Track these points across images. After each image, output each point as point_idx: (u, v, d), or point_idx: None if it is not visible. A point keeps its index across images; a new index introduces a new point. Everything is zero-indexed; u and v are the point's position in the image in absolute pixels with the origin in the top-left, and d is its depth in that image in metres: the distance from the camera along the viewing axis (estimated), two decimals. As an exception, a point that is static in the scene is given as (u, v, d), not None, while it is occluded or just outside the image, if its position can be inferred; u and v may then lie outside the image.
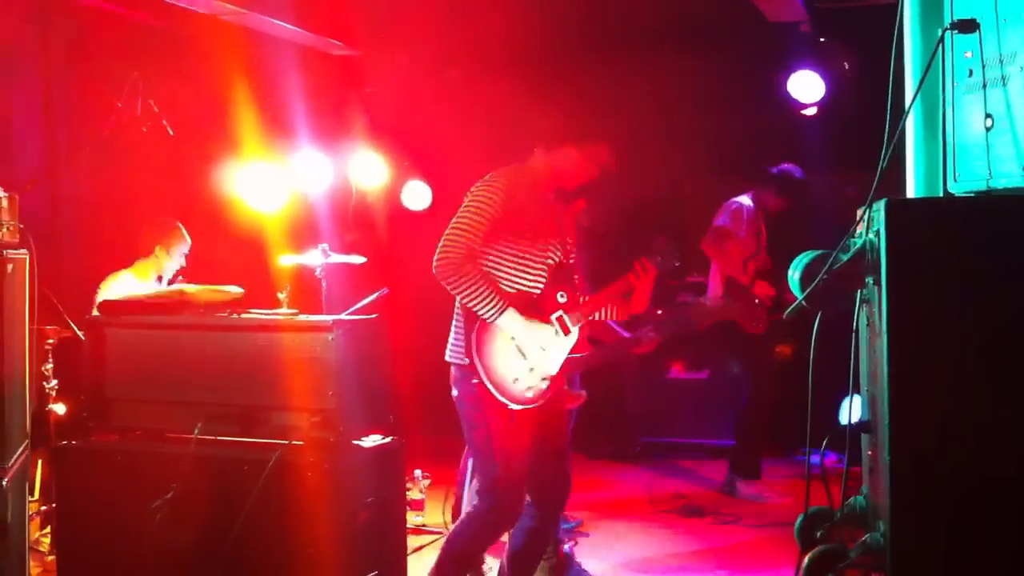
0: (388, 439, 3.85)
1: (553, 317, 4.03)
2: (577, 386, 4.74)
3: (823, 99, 7.01)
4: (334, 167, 7.27)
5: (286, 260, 5.40)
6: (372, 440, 3.81)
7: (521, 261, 4.01)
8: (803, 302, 2.85)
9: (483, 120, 7.10)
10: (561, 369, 4.09)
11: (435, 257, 3.83)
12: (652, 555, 5.39)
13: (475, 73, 7.45)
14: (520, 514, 4.00)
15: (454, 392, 3.91)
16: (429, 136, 7.57)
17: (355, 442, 3.73)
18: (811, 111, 7.14)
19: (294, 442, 3.61)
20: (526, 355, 3.92)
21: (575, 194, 4.33)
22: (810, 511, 2.94)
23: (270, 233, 6.40)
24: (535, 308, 4.01)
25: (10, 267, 3.77)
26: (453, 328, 3.99)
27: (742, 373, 6.56)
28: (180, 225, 5.86)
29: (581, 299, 4.18)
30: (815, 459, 3.05)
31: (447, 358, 3.96)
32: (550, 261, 4.07)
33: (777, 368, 6.52)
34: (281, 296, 4.76)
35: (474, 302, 3.81)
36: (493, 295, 3.84)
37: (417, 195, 7.88)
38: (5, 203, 3.75)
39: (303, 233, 6.44)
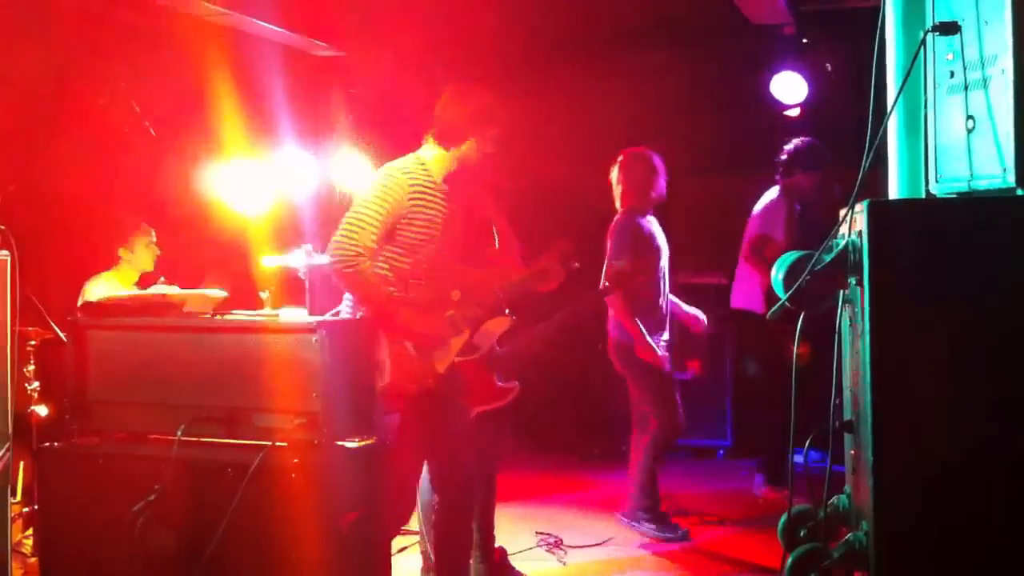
0: (372, 440, 3.83)
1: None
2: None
3: (806, 100, 7.06)
4: (318, 167, 7.24)
5: (269, 261, 5.38)
6: (357, 441, 3.79)
7: (405, 259, 4.03)
8: (786, 302, 2.87)
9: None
10: (493, 362, 4.17)
11: (330, 248, 3.91)
12: (635, 554, 5.40)
13: (459, 74, 7.44)
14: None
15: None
16: (413, 136, 7.55)
17: (340, 443, 3.71)
18: (794, 112, 7.19)
19: (278, 443, 3.59)
20: (418, 352, 3.99)
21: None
22: (793, 511, 2.96)
23: (253, 234, 6.37)
24: (426, 307, 4.07)
25: (-9, 268, 3.75)
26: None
27: (755, 375, 6.45)
28: (139, 223, 5.88)
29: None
30: (799, 459, 3.07)
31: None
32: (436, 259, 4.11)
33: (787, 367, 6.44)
34: (264, 297, 4.75)
35: (365, 303, 3.90)
36: (381, 299, 3.94)
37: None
38: (-14, 204, 3.74)
39: (286, 234, 6.42)
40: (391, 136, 7.67)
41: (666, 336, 5.73)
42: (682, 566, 5.21)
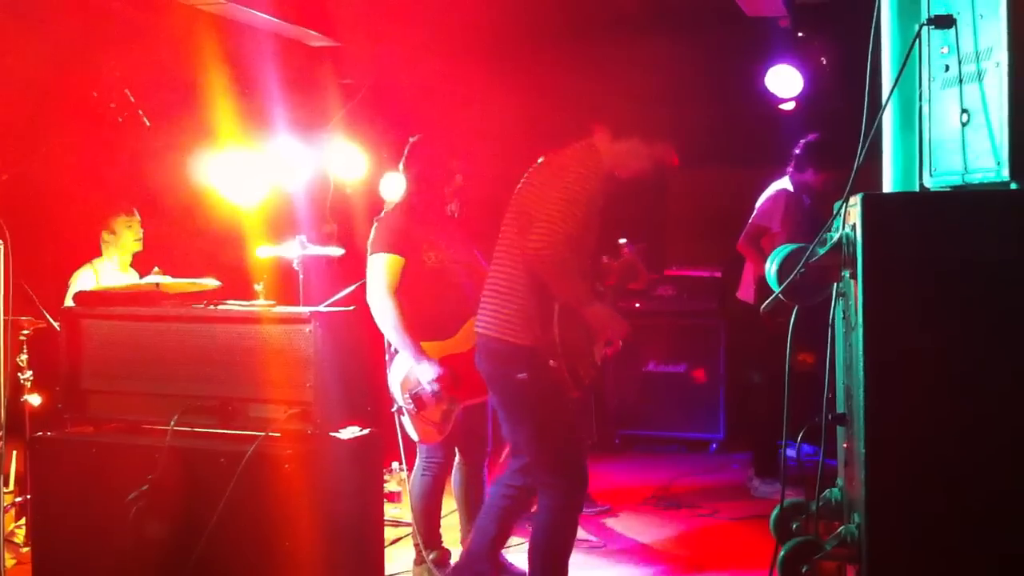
0: (366, 431, 3.84)
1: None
2: None
3: (801, 94, 7.05)
4: (312, 158, 7.23)
5: (263, 252, 5.38)
6: (350, 432, 3.80)
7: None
8: (780, 295, 2.87)
9: (461, 111, 7.08)
10: None
11: (537, 248, 3.78)
12: (628, 547, 5.41)
13: (453, 64, 7.43)
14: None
15: (521, 374, 3.89)
16: (408, 127, 7.55)
17: (333, 434, 3.72)
18: (789, 105, 7.18)
19: (271, 434, 3.59)
20: (592, 339, 3.97)
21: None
22: (786, 503, 2.96)
23: (247, 224, 6.36)
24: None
25: (-16, 258, 3.75)
26: (507, 305, 3.94)
27: (759, 369, 6.42)
28: (122, 205, 5.89)
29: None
30: (791, 452, 3.07)
31: (497, 335, 3.93)
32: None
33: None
34: (258, 288, 4.75)
35: (573, 290, 3.84)
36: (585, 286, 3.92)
37: (396, 187, 7.84)
38: (-22, 193, 3.73)
39: (280, 224, 6.41)
40: (385, 126, 7.68)
41: None
42: (675, 558, 5.22)
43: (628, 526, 5.74)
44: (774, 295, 2.86)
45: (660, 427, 7.50)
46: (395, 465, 5.77)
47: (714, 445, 7.47)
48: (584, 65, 6.87)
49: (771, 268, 2.88)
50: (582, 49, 6.94)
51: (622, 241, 4.51)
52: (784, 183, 6.34)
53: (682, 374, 7.50)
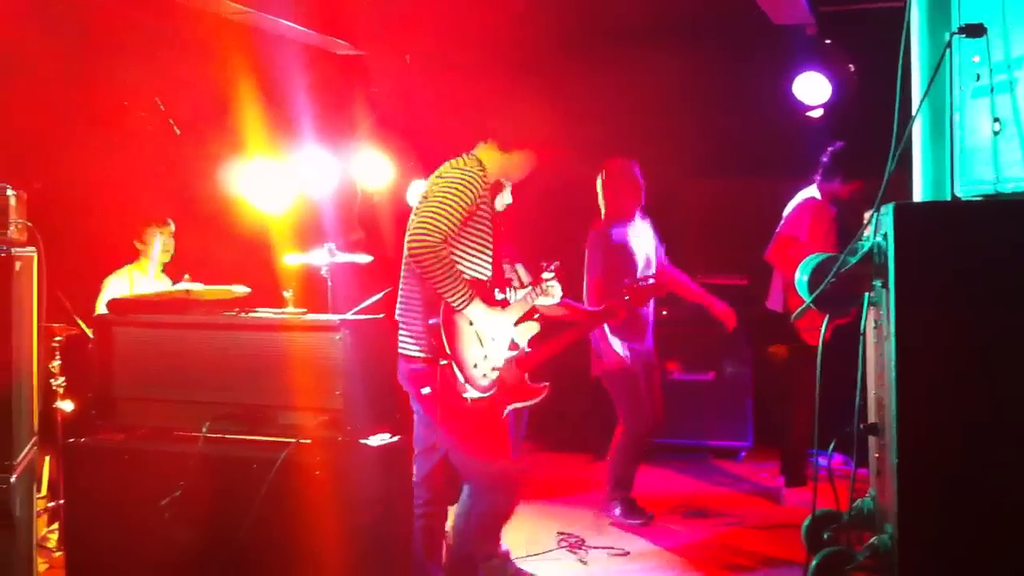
0: (395, 438, 3.85)
1: (500, 303, 4.23)
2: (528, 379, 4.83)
3: (828, 101, 7.02)
4: (339, 166, 7.27)
5: (291, 259, 5.41)
6: (379, 439, 3.82)
7: (477, 249, 4.10)
8: (811, 304, 2.87)
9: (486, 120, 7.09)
10: (522, 361, 4.24)
11: (412, 240, 3.97)
12: (655, 556, 5.39)
13: (480, 72, 7.46)
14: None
15: (425, 389, 4.07)
16: (434, 135, 7.58)
17: (362, 441, 3.73)
18: (816, 113, 7.15)
19: (301, 441, 3.62)
20: (483, 343, 4.04)
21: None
22: (817, 513, 2.96)
23: (275, 232, 6.40)
24: (489, 295, 4.13)
25: (18, 265, 3.78)
26: (405, 321, 4.19)
27: (787, 378, 6.40)
28: (156, 216, 5.94)
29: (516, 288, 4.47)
30: (823, 461, 3.07)
31: (404, 351, 4.16)
32: (490, 259, 4.25)
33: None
34: (287, 295, 4.78)
35: (447, 288, 3.93)
36: (464, 282, 3.96)
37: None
38: (13, 201, 3.77)
39: (308, 232, 6.45)
40: (412, 135, 7.71)
41: (646, 341, 5.89)
42: (702, 566, 5.20)
43: (654, 535, 5.72)
44: (805, 304, 2.87)
45: (687, 435, 7.47)
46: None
47: (742, 453, 7.44)
48: (610, 74, 6.88)
49: (802, 277, 2.88)
50: (607, 58, 6.94)
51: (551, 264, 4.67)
52: (811, 191, 6.32)
53: (709, 382, 7.47)
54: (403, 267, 4.32)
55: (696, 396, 7.45)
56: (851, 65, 7.10)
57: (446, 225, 3.98)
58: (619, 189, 5.89)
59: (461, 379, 4.05)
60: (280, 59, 6.79)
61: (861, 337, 2.95)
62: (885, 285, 2.71)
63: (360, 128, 7.55)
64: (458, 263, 4.10)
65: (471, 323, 4.09)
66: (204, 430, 3.68)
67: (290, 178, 6.54)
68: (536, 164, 4.41)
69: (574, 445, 7.58)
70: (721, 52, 6.84)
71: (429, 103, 7.65)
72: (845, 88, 7.02)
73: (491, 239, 4.23)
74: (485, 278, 4.23)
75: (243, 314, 3.95)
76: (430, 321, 4.06)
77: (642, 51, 6.88)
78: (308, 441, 3.64)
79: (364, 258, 5.53)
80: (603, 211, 5.93)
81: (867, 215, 2.85)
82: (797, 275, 2.97)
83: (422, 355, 4.12)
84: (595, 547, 5.45)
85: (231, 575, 3.62)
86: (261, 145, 6.34)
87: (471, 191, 4.07)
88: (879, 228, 2.78)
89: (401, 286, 4.32)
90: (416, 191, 7.86)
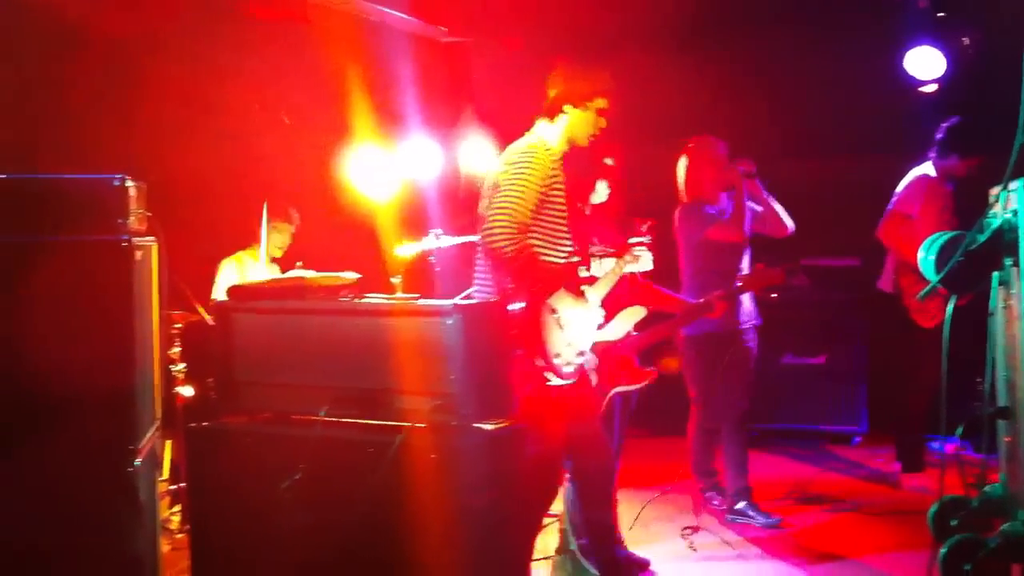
0: (509, 423, 3.86)
1: (587, 281, 4.19)
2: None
3: (942, 76, 6.82)
4: (443, 153, 7.32)
5: (401, 248, 5.47)
6: (493, 423, 3.82)
7: (554, 229, 4.06)
8: (937, 284, 2.79)
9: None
10: (629, 345, 4.20)
11: (488, 232, 3.98)
12: (768, 542, 5.32)
13: (581, 57, 7.41)
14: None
15: None
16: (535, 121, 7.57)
17: (476, 425, 3.75)
18: (930, 88, 6.95)
19: (417, 425, 3.65)
20: (565, 329, 4.00)
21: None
22: (944, 499, 2.88)
23: (382, 219, 6.48)
24: (573, 277, 4.11)
25: (139, 254, 3.89)
26: None
27: (901, 362, 6.24)
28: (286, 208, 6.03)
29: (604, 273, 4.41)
30: (950, 446, 2.99)
31: None
32: (569, 235, 4.19)
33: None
34: (395, 281, 4.83)
35: (527, 278, 3.91)
36: (543, 270, 3.96)
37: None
38: (133, 192, 3.87)
39: (415, 219, 6.51)
40: (516, 121, 7.71)
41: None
42: (817, 553, 5.11)
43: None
44: (931, 284, 2.79)
45: (799, 420, 7.35)
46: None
47: (857, 438, 7.29)
48: (717, 54, 6.79)
49: (928, 256, 2.80)
50: (717, 40, 6.85)
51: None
52: (926, 168, 6.15)
53: (821, 366, 7.33)
54: (477, 255, 4.30)
55: (808, 380, 7.32)
56: (965, 38, 6.89)
57: (522, 212, 3.95)
58: (700, 170, 5.63)
59: (543, 367, 4.02)
60: (385, 48, 6.86)
61: (990, 318, 2.85)
62: (1016, 263, 2.62)
63: (464, 114, 7.58)
64: (537, 247, 4.07)
65: (554, 311, 4.05)
66: (322, 414, 3.74)
67: (396, 165, 6.62)
68: (598, 117, 4.27)
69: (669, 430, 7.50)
70: (830, 29, 6.69)
71: (530, 89, 7.64)
72: (959, 62, 6.81)
73: (566, 216, 4.16)
74: (563, 259, 4.17)
75: (357, 300, 3.99)
76: (508, 308, 4.03)
77: (750, 31, 6.78)
78: (422, 425, 3.66)
79: (471, 238, 5.56)
80: (683, 195, 5.68)
81: (994, 191, 2.75)
82: (921, 254, 2.88)
83: None
84: (706, 531, 5.41)
85: (347, 557, 3.66)
86: (368, 133, 6.42)
87: (540, 169, 4.02)
88: (1008, 204, 2.69)
89: (477, 274, 4.31)
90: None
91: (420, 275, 5.57)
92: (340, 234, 6.45)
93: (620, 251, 4.50)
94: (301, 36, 6.26)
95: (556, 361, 4.09)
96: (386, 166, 6.46)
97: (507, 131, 7.61)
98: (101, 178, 3.79)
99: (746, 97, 6.94)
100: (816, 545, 5.24)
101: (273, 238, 6.06)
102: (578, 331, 4.16)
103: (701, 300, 5.25)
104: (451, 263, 5.69)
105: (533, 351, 4.01)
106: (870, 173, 6.70)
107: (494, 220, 3.97)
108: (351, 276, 4.41)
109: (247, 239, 6.12)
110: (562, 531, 4.72)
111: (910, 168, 6.27)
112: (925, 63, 6.80)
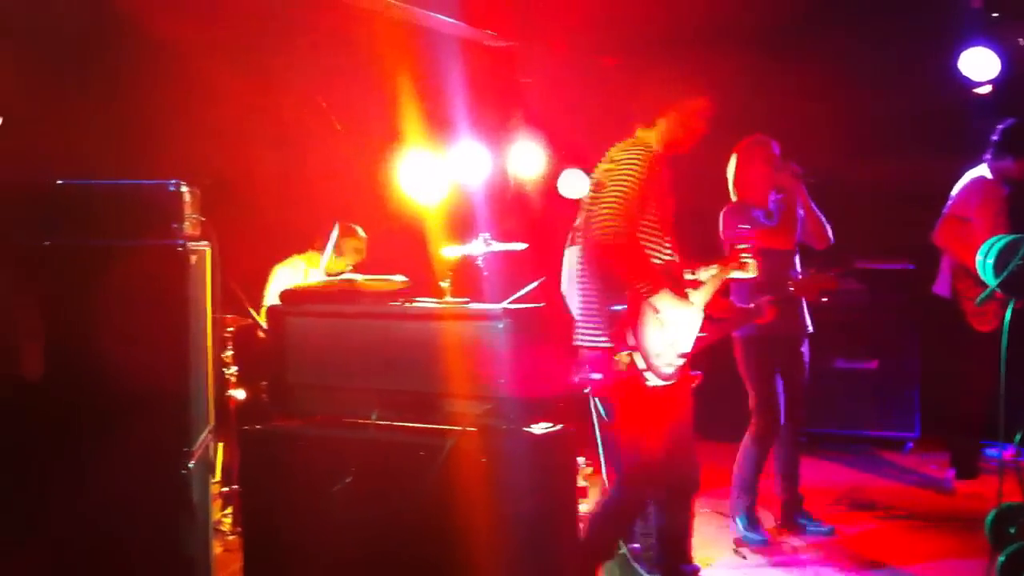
0: (559, 427, 3.86)
1: (692, 284, 4.15)
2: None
3: (997, 77, 6.73)
4: (492, 157, 7.34)
5: (449, 251, 5.49)
6: (542, 427, 3.82)
7: (656, 235, 4.05)
8: (995, 288, 2.75)
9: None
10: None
11: (600, 232, 3.94)
12: (820, 548, 5.26)
13: (630, 61, 7.41)
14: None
15: (596, 376, 4.04)
16: (584, 125, 7.57)
17: (526, 429, 3.75)
18: (985, 90, 6.86)
19: (467, 428, 3.66)
20: (669, 330, 3.98)
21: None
22: (1002, 506, 2.84)
23: (431, 223, 6.51)
24: (679, 279, 4.07)
25: (193, 258, 3.92)
26: (584, 311, 4.15)
27: (956, 366, 6.12)
28: (348, 226, 6.06)
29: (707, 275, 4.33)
30: (1007, 452, 2.94)
31: (582, 343, 4.13)
32: (670, 238, 4.18)
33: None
34: (444, 285, 4.85)
35: (636, 277, 3.90)
36: (652, 269, 3.92)
37: (573, 183, 7.88)
38: (188, 197, 3.91)
39: (464, 223, 6.54)
40: (564, 124, 7.72)
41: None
42: (869, 559, 5.04)
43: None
44: (989, 288, 2.75)
45: (850, 425, 7.26)
46: (580, 460, 5.77)
47: (910, 444, 7.20)
48: (767, 57, 6.74)
49: (986, 260, 2.76)
50: (770, 43, 6.81)
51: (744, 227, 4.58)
52: (981, 171, 6.07)
53: (874, 371, 7.24)
54: (579, 256, 4.23)
55: (859, 385, 7.24)
56: (1020, 39, 6.80)
57: (628, 206, 3.93)
58: (750, 170, 5.49)
59: (643, 367, 4.00)
60: (434, 53, 6.89)
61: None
62: (1078, 267, 2.58)
63: (512, 119, 7.60)
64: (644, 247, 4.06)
65: (658, 311, 4.04)
66: (373, 417, 3.76)
67: (445, 169, 6.65)
68: (698, 120, 4.24)
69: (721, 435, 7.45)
70: (884, 29, 6.63)
71: (579, 93, 7.64)
72: (1014, 63, 6.73)
73: (670, 219, 4.14)
74: (664, 260, 4.15)
75: (408, 304, 4.02)
76: (612, 308, 4.02)
77: (802, 33, 6.74)
78: (473, 429, 3.67)
79: (520, 246, 5.56)
80: (733, 196, 5.55)
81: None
82: (979, 257, 2.85)
83: (602, 344, 4.07)
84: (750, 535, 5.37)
85: (397, 559, 3.68)
86: (417, 137, 6.45)
87: (644, 169, 4.00)
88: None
89: (579, 276, 4.25)
90: (568, 180, 7.91)
91: (469, 279, 5.60)
92: (390, 238, 6.49)
93: (728, 257, 4.44)
94: (352, 43, 6.32)
95: (656, 361, 4.04)
96: (435, 170, 6.49)
97: (555, 135, 7.68)
98: (157, 184, 3.83)
99: (801, 99, 6.89)
100: (868, 553, 5.17)
101: (348, 256, 6.08)
102: (681, 332, 4.10)
103: (751, 305, 5.19)
104: (499, 268, 5.71)
105: (633, 350, 3.98)
106: (923, 175, 6.61)
107: (601, 213, 3.96)
108: (401, 279, 4.44)
109: (300, 244, 6.17)
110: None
111: (965, 170, 6.19)
112: (980, 64, 6.71)
